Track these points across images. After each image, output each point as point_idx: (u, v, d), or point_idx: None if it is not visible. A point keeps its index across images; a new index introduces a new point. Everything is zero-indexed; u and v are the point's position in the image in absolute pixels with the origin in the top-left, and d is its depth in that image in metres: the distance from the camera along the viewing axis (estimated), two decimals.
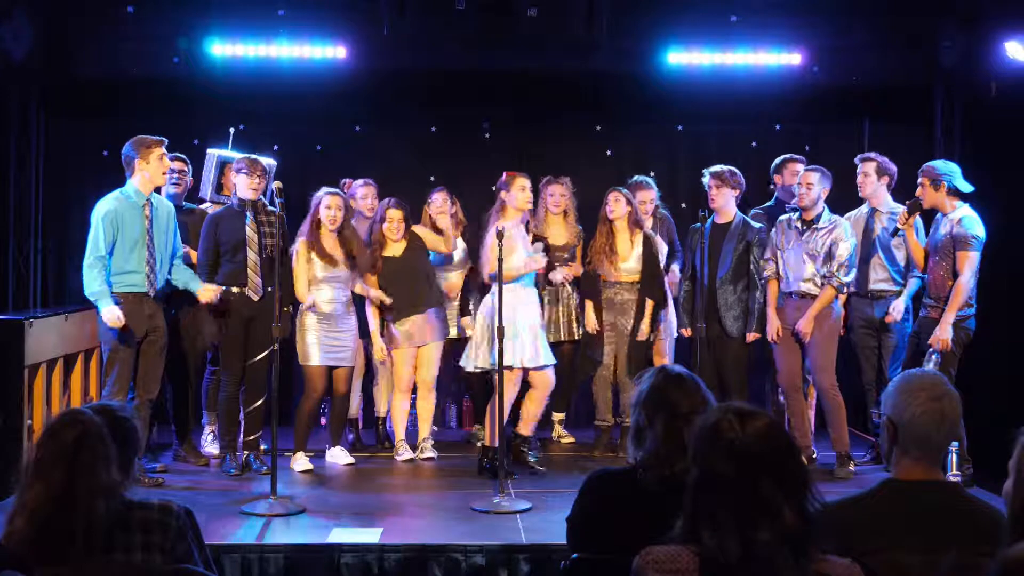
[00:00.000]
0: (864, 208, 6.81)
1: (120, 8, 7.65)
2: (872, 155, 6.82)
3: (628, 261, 6.90)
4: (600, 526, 2.92)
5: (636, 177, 7.28)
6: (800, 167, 7.00)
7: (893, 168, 6.75)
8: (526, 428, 6.55)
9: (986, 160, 7.46)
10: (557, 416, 7.59)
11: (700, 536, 2.17)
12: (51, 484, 2.57)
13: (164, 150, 6.17)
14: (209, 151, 7.06)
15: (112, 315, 5.95)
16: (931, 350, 6.02)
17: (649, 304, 6.85)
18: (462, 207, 7.52)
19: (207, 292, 6.26)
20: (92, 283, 6.02)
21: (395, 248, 6.89)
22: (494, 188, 8.20)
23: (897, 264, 6.68)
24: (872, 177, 6.71)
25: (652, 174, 7.53)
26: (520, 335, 6.28)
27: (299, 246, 6.59)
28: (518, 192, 6.41)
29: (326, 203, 6.56)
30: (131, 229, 6.06)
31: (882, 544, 2.48)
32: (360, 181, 7.32)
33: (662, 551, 2.21)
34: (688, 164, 8.17)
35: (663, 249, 7.04)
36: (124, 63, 7.71)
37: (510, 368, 6.19)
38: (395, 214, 6.82)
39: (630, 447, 2.93)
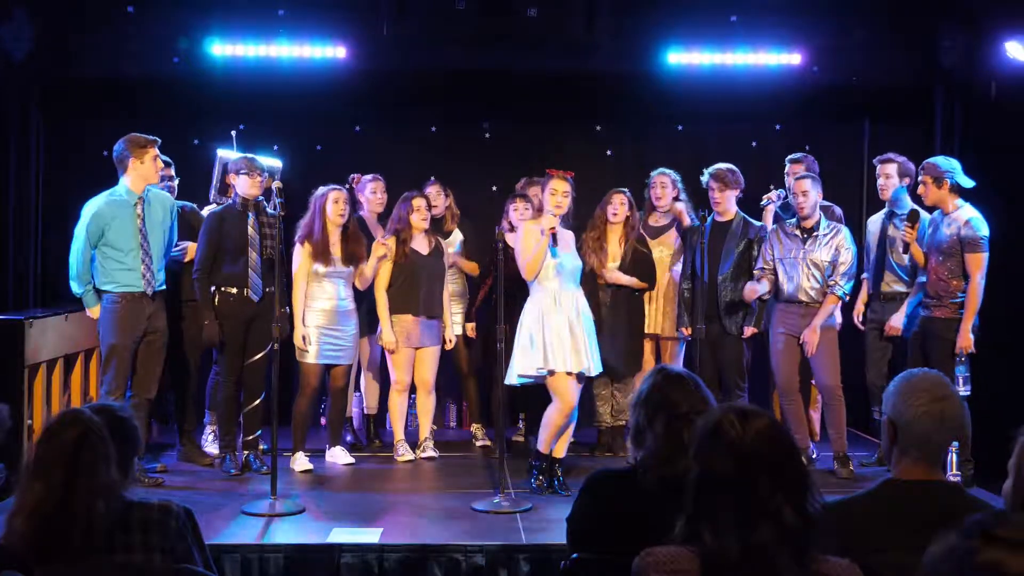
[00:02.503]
0: (884, 211, 6.78)
1: (120, 8, 7.64)
2: (892, 156, 6.75)
3: (618, 261, 6.92)
4: (600, 526, 2.92)
5: (658, 169, 7.28)
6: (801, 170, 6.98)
7: (912, 167, 6.70)
8: (561, 450, 6.14)
9: (986, 160, 7.44)
10: None
11: (701, 536, 2.17)
12: (51, 484, 2.57)
13: (157, 150, 6.18)
14: (218, 152, 7.06)
15: (94, 311, 6.10)
16: (958, 357, 6.05)
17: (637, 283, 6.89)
18: (460, 205, 7.55)
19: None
20: (75, 285, 6.14)
21: (422, 244, 6.89)
22: (494, 188, 8.27)
23: (904, 266, 6.67)
24: (894, 179, 6.66)
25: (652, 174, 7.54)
26: (565, 339, 5.92)
27: (301, 251, 6.56)
28: (547, 194, 6.07)
29: (333, 198, 6.56)
30: (123, 229, 6.07)
31: (882, 544, 2.48)
32: (369, 176, 7.33)
33: (663, 552, 2.21)
34: (688, 164, 8.14)
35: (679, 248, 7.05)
36: (124, 63, 7.70)
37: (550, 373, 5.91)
38: (421, 202, 6.85)
39: (630, 447, 2.93)
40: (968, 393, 5.94)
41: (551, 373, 5.90)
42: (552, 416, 5.97)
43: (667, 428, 2.81)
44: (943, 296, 6.18)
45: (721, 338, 6.68)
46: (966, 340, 6.08)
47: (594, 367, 6.05)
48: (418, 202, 6.85)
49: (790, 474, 2.17)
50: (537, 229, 6.02)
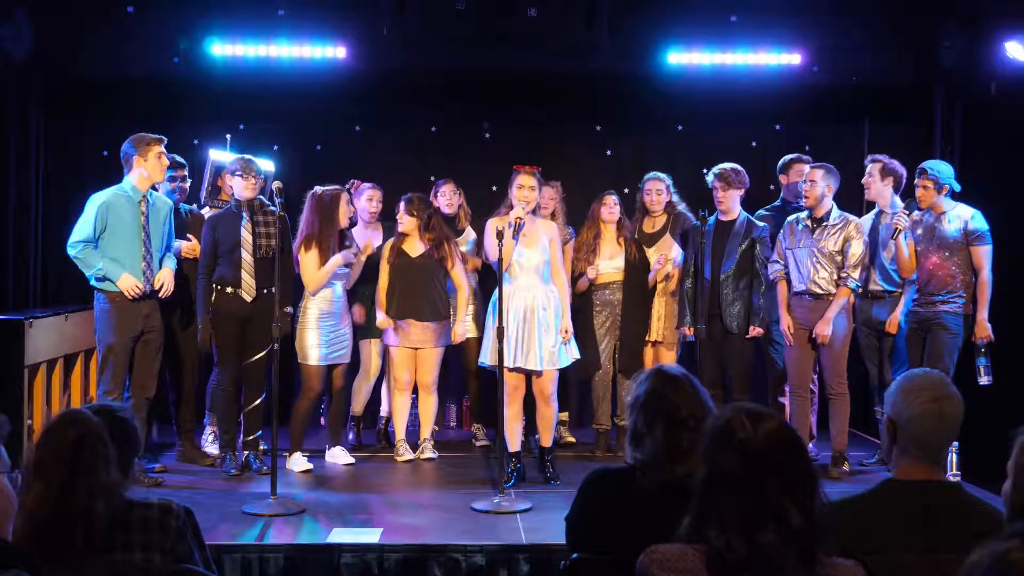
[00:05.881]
0: (874, 210, 6.84)
1: (120, 8, 7.64)
2: (880, 156, 6.81)
3: (613, 259, 6.98)
4: (599, 526, 2.92)
5: (649, 174, 7.28)
6: (806, 167, 7.02)
7: (900, 170, 6.75)
8: (546, 439, 6.38)
9: (986, 160, 7.46)
10: (561, 417, 7.58)
11: (706, 535, 2.17)
12: (51, 484, 2.57)
13: (163, 148, 6.18)
14: (210, 153, 7.06)
15: (130, 282, 5.99)
16: (979, 347, 6.23)
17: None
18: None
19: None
20: (89, 264, 6.03)
21: (414, 247, 6.89)
22: (494, 188, 8.27)
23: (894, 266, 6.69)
24: (876, 178, 6.73)
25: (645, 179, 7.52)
26: (515, 333, 6.15)
27: (314, 255, 6.54)
28: (514, 189, 6.29)
29: (345, 199, 6.66)
30: (125, 225, 6.07)
31: (882, 544, 2.48)
32: (368, 184, 7.31)
33: (668, 549, 2.22)
34: (688, 164, 8.16)
35: (677, 251, 7.05)
36: (124, 63, 7.71)
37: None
38: (400, 206, 6.88)
39: (628, 448, 2.92)
40: (991, 383, 6.16)
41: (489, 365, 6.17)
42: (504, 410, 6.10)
43: (666, 433, 2.79)
44: (947, 291, 6.26)
45: (723, 336, 6.68)
46: (985, 330, 6.22)
47: (532, 363, 6.16)
48: (401, 206, 6.89)
49: (798, 476, 2.18)
50: (502, 224, 6.13)
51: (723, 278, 6.68)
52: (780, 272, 6.58)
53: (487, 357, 6.23)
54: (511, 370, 6.15)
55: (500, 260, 5.91)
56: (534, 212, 6.38)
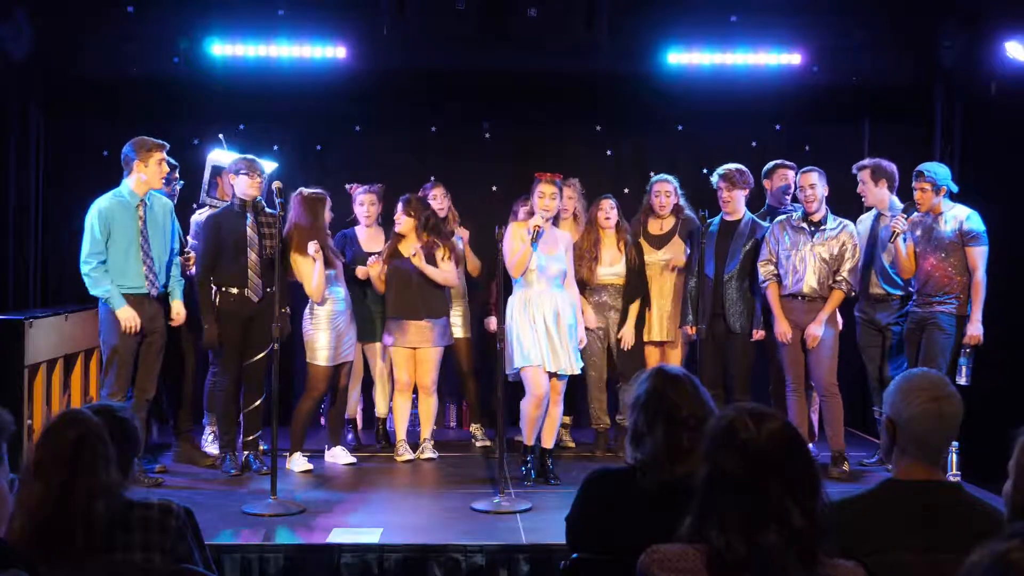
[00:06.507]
0: (873, 212, 6.83)
1: (120, 8, 7.64)
2: (865, 162, 6.82)
3: (614, 266, 6.95)
4: (599, 525, 2.92)
5: (658, 175, 7.27)
6: (790, 172, 7.04)
7: (890, 168, 6.74)
8: (548, 440, 6.41)
9: (986, 160, 7.46)
10: (563, 420, 7.55)
11: (707, 535, 2.17)
12: (51, 484, 2.57)
13: (165, 155, 6.16)
14: (209, 154, 7.06)
15: (128, 315, 6.01)
16: (964, 348, 6.21)
17: (634, 307, 6.91)
18: (460, 205, 7.55)
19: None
20: (99, 284, 6.04)
21: (409, 248, 6.88)
22: (494, 188, 8.27)
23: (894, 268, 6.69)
24: (869, 184, 6.73)
25: (652, 174, 7.53)
26: (541, 336, 6.17)
27: (315, 248, 6.51)
28: (535, 197, 6.32)
29: (329, 205, 6.66)
30: (125, 230, 6.07)
31: (882, 544, 2.48)
32: (363, 188, 7.25)
33: (668, 549, 2.22)
34: (688, 164, 8.15)
35: (686, 254, 7.03)
36: (124, 63, 7.70)
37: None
38: (397, 207, 6.89)
39: (628, 448, 2.92)
40: (967, 384, 6.12)
41: (523, 367, 6.15)
42: (525, 408, 6.23)
43: (667, 433, 2.80)
44: (944, 291, 6.26)
45: (726, 336, 6.68)
46: (978, 331, 6.21)
47: (574, 366, 6.27)
48: (399, 207, 6.89)
49: (801, 477, 2.18)
50: (523, 230, 6.24)
51: (727, 278, 6.69)
52: (771, 272, 6.56)
53: (518, 361, 6.13)
54: (549, 373, 6.18)
55: (501, 262, 5.94)
56: (554, 220, 6.42)
